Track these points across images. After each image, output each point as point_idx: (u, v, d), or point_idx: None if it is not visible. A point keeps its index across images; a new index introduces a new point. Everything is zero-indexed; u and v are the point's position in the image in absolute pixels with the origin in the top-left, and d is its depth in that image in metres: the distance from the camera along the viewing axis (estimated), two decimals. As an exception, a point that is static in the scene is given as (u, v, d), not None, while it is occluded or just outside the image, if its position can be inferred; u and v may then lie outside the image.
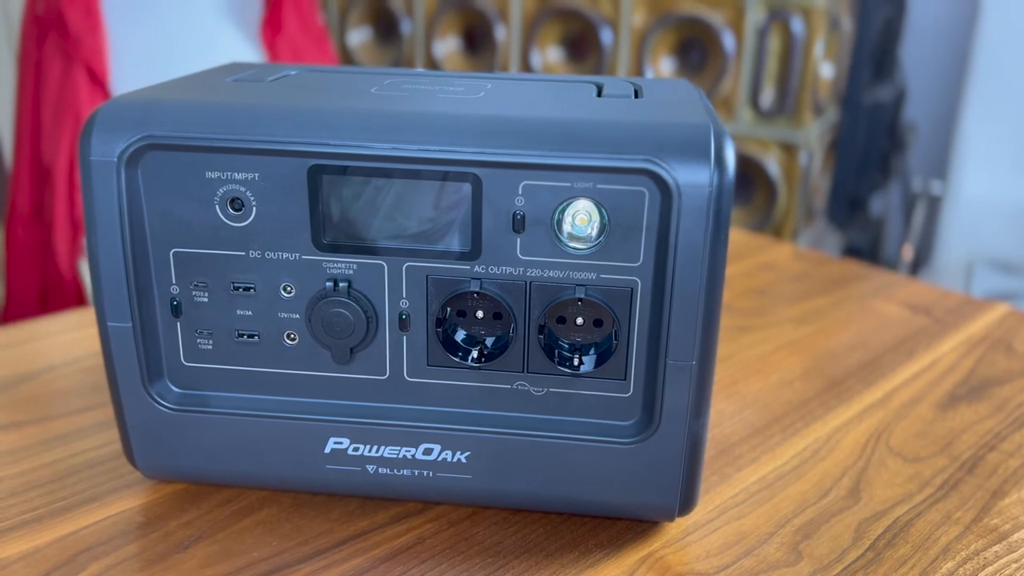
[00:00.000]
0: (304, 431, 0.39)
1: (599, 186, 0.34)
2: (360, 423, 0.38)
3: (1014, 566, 0.39)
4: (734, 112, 1.49)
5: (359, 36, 1.94)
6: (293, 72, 0.44)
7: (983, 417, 0.52)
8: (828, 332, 0.63)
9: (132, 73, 1.24)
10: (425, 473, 0.39)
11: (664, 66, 1.54)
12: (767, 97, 1.45)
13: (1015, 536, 0.41)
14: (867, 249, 1.97)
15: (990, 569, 0.39)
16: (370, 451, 0.39)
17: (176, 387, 0.39)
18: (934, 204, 1.72)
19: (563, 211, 0.35)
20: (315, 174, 0.35)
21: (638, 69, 1.55)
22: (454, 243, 0.36)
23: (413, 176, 0.35)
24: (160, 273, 0.37)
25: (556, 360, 0.37)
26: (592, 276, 0.35)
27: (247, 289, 0.37)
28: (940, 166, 1.81)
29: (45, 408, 0.50)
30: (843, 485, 0.44)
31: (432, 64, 1.82)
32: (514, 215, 0.35)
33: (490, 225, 0.35)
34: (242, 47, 1.33)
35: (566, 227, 0.35)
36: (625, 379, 0.37)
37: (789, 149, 1.47)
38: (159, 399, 0.39)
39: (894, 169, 1.91)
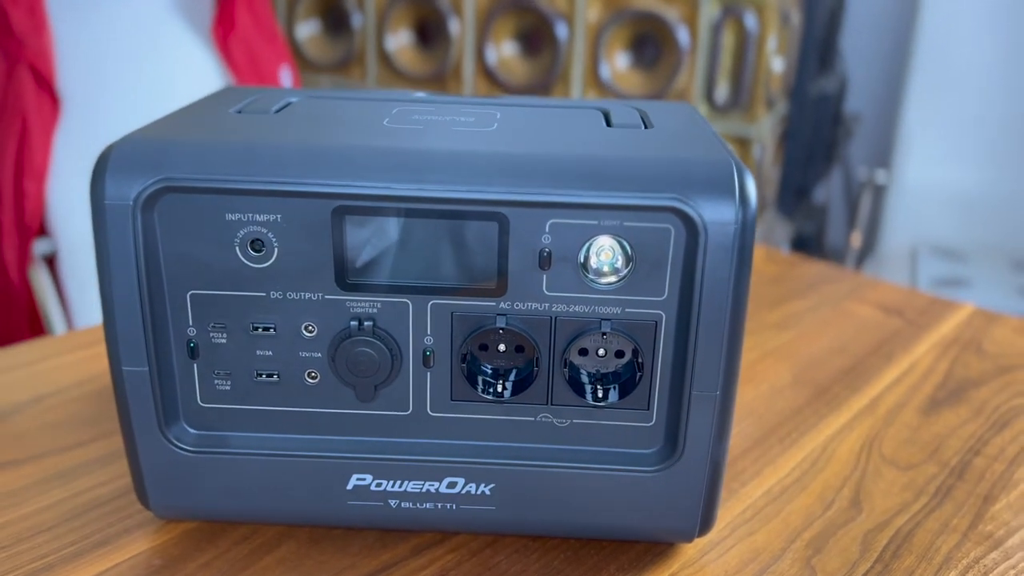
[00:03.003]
0: (326, 468, 0.39)
1: (626, 224, 0.35)
2: (383, 459, 0.38)
3: (1012, 572, 0.41)
4: (689, 107, 1.50)
5: (308, 29, 1.91)
6: (294, 99, 0.44)
7: (965, 421, 0.54)
8: (809, 337, 0.65)
9: (79, 74, 1.20)
10: (448, 506, 0.39)
11: (619, 61, 1.55)
12: (722, 92, 1.47)
13: (1009, 542, 0.43)
14: (813, 236, 2.03)
15: (991, 576, 0.41)
16: (393, 486, 0.39)
17: (193, 429, 0.39)
18: (879, 193, 1.77)
19: (589, 248, 0.35)
20: (339, 215, 0.35)
21: (593, 64, 1.56)
22: (480, 280, 0.36)
23: (439, 216, 0.35)
24: (176, 315, 0.37)
25: (581, 392, 0.37)
26: (617, 310, 0.36)
27: (267, 329, 0.37)
28: (884, 155, 1.86)
29: (38, 444, 0.48)
30: (844, 496, 0.46)
31: (383, 58, 1.80)
32: (540, 252, 0.35)
33: (516, 262, 0.35)
34: (193, 47, 1.29)
35: (592, 263, 0.35)
36: (648, 409, 0.38)
37: (743, 143, 1.49)
38: (177, 442, 0.38)
39: (836, 158, 1.96)
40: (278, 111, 0.41)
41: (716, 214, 0.34)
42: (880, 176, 1.76)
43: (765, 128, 1.51)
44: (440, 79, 1.76)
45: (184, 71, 1.30)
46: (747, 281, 0.35)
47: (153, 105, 1.27)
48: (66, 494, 0.44)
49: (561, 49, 1.59)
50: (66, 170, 1.18)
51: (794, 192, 1.86)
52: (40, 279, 1.19)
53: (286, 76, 1.41)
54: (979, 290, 1.46)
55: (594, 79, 1.57)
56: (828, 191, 2.10)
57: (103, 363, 0.58)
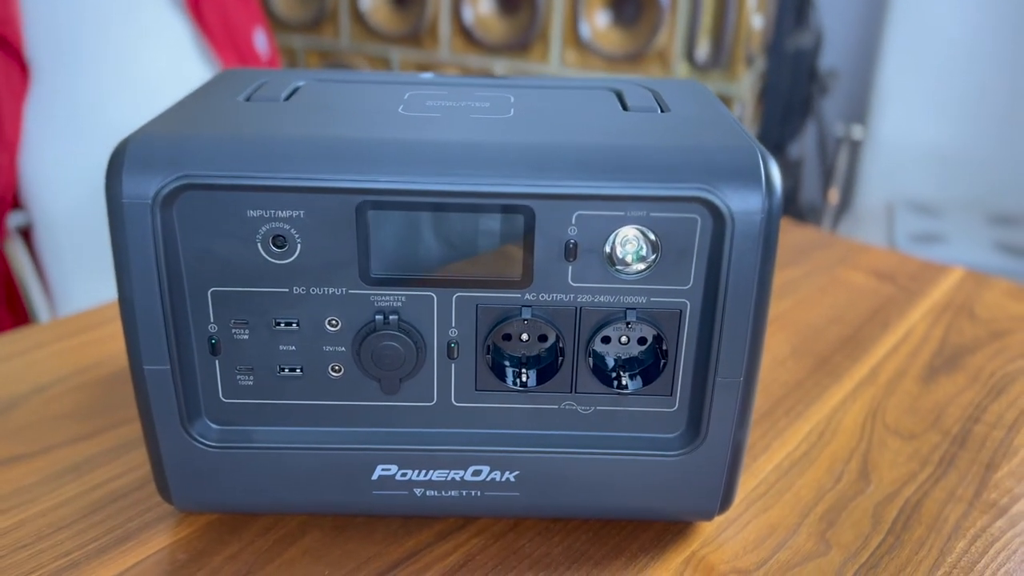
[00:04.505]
0: (352, 460, 0.39)
1: (652, 214, 0.34)
2: (408, 450, 0.39)
3: (1017, 540, 0.42)
4: (670, 66, 1.50)
5: (277, -13, 1.86)
6: (301, 83, 0.43)
7: (962, 388, 0.55)
8: (806, 306, 0.66)
9: (48, 41, 1.16)
10: (473, 493, 0.40)
11: (599, 19, 1.53)
12: (702, 51, 1.47)
13: (1013, 509, 0.44)
14: (789, 192, 2.04)
15: (998, 545, 0.42)
16: (418, 475, 0.39)
17: (215, 424, 0.38)
18: (855, 148, 1.78)
19: (615, 238, 0.35)
20: (363, 210, 0.34)
21: (573, 22, 1.54)
22: (505, 272, 0.36)
23: (464, 209, 0.34)
24: (197, 313, 0.36)
25: (604, 380, 0.38)
26: (642, 300, 0.36)
27: (290, 324, 0.36)
28: (860, 111, 1.87)
29: (45, 437, 0.48)
30: (852, 468, 0.47)
31: (357, 17, 1.76)
32: (567, 244, 0.35)
33: (542, 254, 0.35)
34: (165, 10, 1.26)
35: (618, 254, 0.35)
36: (671, 395, 0.38)
37: (725, 102, 1.49)
38: (200, 438, 0.38)
39: (811, 113, 1.97)
40: (288, 98, 0.40)
41: (743, 203, 0.34)
42: (856, 132, 1.77)
43: (745, 86, 1.51)
44: (416, 38, 1.73)
45: (156, 35, 1.26)
46: (772, 268, 0.35)
47: (125, 70, 1.23)
48: (81, 488, 0.44)
49: (540, 7, 1.56)
50: (38, 140, 1.15)
51: (771, 148, 1.87)
52: (16, 253, 1.17)
53: (260, 39, 1.38)
54: (955, 245, 1.48)
55: (573, 38, 1.55)
56: (802, 147, 2.11)
57: (101, 349, 0.57)
